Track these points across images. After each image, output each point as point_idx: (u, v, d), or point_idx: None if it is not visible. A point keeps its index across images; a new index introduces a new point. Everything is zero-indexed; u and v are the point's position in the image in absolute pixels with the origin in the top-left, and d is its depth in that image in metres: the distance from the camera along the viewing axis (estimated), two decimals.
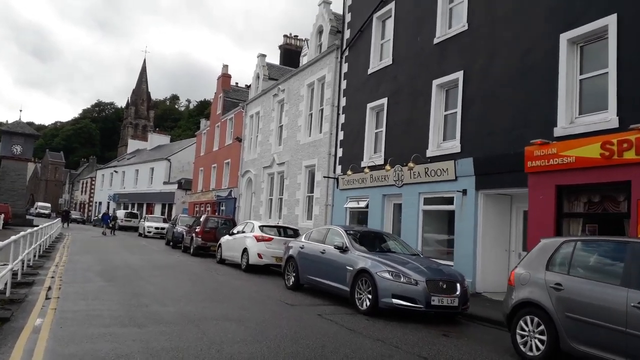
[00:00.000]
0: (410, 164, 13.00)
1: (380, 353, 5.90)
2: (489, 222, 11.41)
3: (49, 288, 9.35)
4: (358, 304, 8.27)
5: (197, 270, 14.25)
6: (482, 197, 11.49)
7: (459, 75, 12.59)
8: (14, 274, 9.64)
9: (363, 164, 16.15)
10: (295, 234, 14.84)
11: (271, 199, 24.13)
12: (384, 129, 15.62)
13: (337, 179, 17.69)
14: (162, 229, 31.85)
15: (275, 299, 9.60)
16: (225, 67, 35.43)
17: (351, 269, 8.50)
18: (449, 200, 12.45)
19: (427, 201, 13.33)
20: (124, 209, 49.40)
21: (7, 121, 46.49)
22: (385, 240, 10.34)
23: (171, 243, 24.31)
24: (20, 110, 72.75)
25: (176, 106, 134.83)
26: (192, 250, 19.63)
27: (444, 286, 7.73)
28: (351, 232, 9.76)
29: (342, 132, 18.07)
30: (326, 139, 19.02)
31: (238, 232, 15.70)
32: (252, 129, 28.06)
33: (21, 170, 42.27)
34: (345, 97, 18.16)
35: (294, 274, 10.68)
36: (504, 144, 10.92)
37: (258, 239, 13.83)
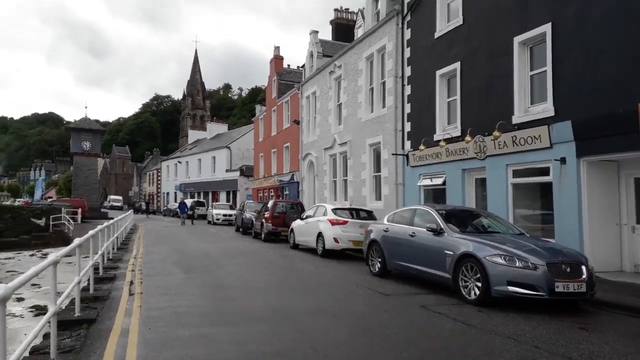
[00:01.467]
0: (496, 133, 11.79)
1: (520, 355, 4.92)
2: (595, 193, 10.10)
3: (131, 282, 9.23)
4: (464, 293, 7.39)
5: (273, 257, 13.91)
6: (585, 165, 10.16)
7: (546, 28, 11.16)
8: (96, 269, 9.62)
9: (436, 137, 15.07)
10: (370, 216, 14.13)
11: (335, 181, 23.51)
12: (458, 96, 14.40)
13: (407, 156, 16.70)
14: (230, 215, 32.25)
15: (364, 287, 8.93)
16: (277, 48, 34.88)
17: (451, 253, 7.63)
18: (544, 171, 11.19)
19: (517, 173, 12.11)
20: (190, 197, 50.81)
21: (74, 120, 48.75)
22: (481, 218, 9.34)
23: (241, 229, 24.37)
24: (86, 107, 77.07)
25: (229, 95, 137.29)
26: (263, 236, 19.45)
27: (568, 269, 6.70)
28: (442, 211, 8.85)
29: (409, 104, 16.98)
30: (391, 114, 18.01)
31: (309, 217, 15.21)
32: (309, 110, 27.43)
33: (92, 166, 44.38)
34: (410, 67, 17.01)
35: (380, 260, 9.97)
36: (609, 102, 9.53)
37: (333, 223, 13.25)
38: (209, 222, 34.45)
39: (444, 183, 14.90)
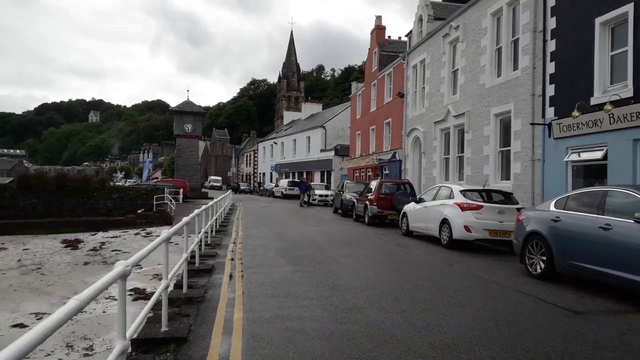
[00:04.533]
0: None
1: None
2: None
3: (230, 276, 7.69)
4: None
5: (387, 246, 11.83)
6: None
7: None
8: (191, 260, 8.24)
9: (595, 101, 11.85)
10: (509, 199, 11.42)
11: (447, 158, 20.73)
12: (629, 48, 11.05)
13: (549, 125, 13.57)
14: (326, 196, 30.82)
15: (532, 297, 6.49)
16: (379, 18, 32.25)
17: None
18: None
19: None
20: (285, 178, 50.48)
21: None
22: None
23: (339, 211, 22.66)
24: (188, 91, 79.75)
25: (322, 76, 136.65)
26: (366, 219, 17.47)
27: None
28: None
29: (553, 63, 13.74)
30: (526, 77, 14.86)
31: (427, 199, 12.87)
32: (416, 81, 24.66)
33: (193, 147, 45.39)
34: (554, 17, 13.73)
35: (544, 258, 7.44)
36: None
37: (463, 207, 10.76)
38: (301, 205, 33.29)
39: (604, 157, 11.69)
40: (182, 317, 5.41)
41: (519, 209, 10.57)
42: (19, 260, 18.80)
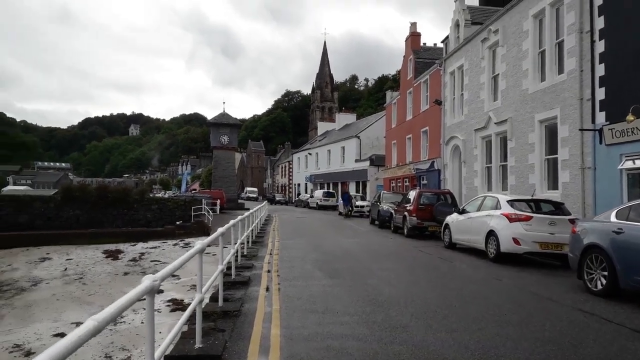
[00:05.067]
0: None
1: None
2: None
3: (267, 289, 7.44)
4: None
5: (429, 260, 11.31)
6: None
7: None
8: (227, 272, 8.04)
9: None
10: (560, 209, 10.72)
11: (489, 167, 19.98)
12: None
13: (601, 131, 12.78)
14: (362, 207, 30.38)
15: (597, 317, 5.90)
16: (414, 25, 31.82)
17: None
18: None
19: None
20: (320, 188, 50.29)
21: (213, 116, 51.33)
22: None
23: (377, 222, 22.17)
24: (224, 103, 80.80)
25: (356, 86, 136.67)
26: (405, 231, 16.94)
27: None
28: None
29: (602, 64, 12.98)
30: (573, 80, 14.12)
31: (471, 210, 12.29)
32: (454, 88, 24.04)
33: (230, 159, 45.94)
34: (602, 16, 13.00)
35: (605, 273, 6.84)
36: None
37: (511, 219, 10.15)
38: (340, 214, 32.92)
39: None
40: (218, 332, 5.18)
41: (572, 220, 9.91)
42: (65, 269, 19.27)
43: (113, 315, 2.12)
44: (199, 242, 4.47)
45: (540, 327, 5.43)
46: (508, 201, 10.76)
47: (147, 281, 2.70)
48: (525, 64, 16.90)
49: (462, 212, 12.74)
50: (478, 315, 5.90)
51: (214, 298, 6.74)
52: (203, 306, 6.12)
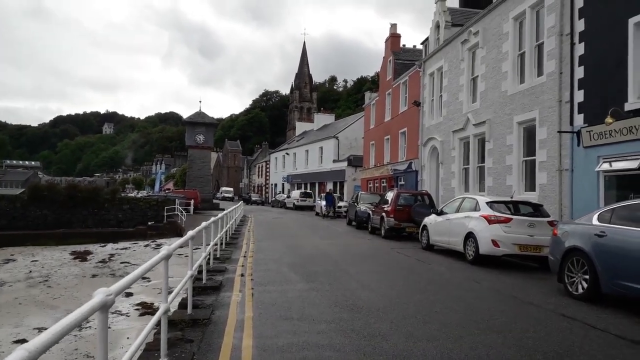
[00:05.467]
0: None
1: None
2: None
3: (240, 295, 7.05)
4: None
5: (407, 262, 11.07)
6: None
7: None
8: (198, 276, 7.62)
9: (628, 107, 11.09)
10: (539, 211, 10.61)
11: (466, 169, 19.96)
12: None
13: (579, 133, 12.80)
14: (339, 207, 30.14)
15: (580, 323, 5.70)
16: (394, 26, 31.76)
17: None
18: None
19: None
20: (297, 189, 49.90)
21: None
22: None
23: (354, 223, 21.93)
24: (200, 101, 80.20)
25: (334, 87, 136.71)
26: (383, 232, 16.72)
27: None
28: None
29: (582, 67, 13.01)
30: (552, 82, 14.13)
31: (449, 212, 12.13)
32: (432, 89, 24.00)
33: (205, 158, 45.12)
34: (582, 19, 13.03)
35: (587, 277, 6.68)
36: None
37: (490, 220, 9.98)
38: (317, 214, 32.61)
39: None
40: (185, 343, 4.78)
41: (551, 222, 9.81)
42: (29, 271, 18.43)
43: (51, 342, 1.74)
44: (164, 248, 4.07)
45: (523, 333, 5.20)
46: (487, 203, 10.61)
47: (99, 296, 2.32)
48: (504, 66, 16.89)
49: (441, 213, 12.57)
50: (459, 321, 5.64)
51: (183, 304, 6.33)
52: (170, 313, 5.72)
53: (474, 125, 18.79)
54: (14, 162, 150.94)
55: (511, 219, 9.94)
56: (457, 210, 11.70)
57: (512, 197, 11.50)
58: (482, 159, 18.55)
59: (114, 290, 2.48)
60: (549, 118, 14.22)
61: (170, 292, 4.63)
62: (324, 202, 30.69)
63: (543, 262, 10.15)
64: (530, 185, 15.30)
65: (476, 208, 10.77)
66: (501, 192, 16.23)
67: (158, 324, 3.95)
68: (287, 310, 6.09)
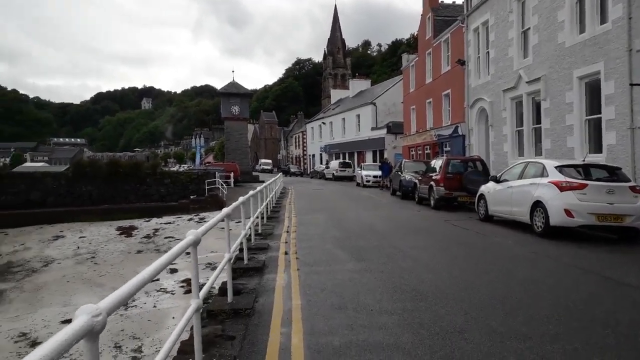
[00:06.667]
0: None
1: None
2: None
3: (285, 274, 6.42)
4: None
5: (465, 235, 10.12)
6: None
7: None
8: (240, 256, 7.04)
9: None
10: (616, 175, 9.33)
11: (519, 131, 18.51)
12: None
13: None
14: (380, 177, 29.17)
15: None
16: None
17: None
18: None
19: None
20: (335, 159, 49.06)
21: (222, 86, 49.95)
22: None
23: (398, 193, 20.99)
24: (233, 72, 79.24)
25: (368, 52, 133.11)
26: (432, 202, 15.75)
27: None
28: None
29: None
30: (619, 29, 12.50)
31: (511, 178, 11.02)
32: (478, 46, 22.30)
33: (242, 130, 44.78)
34: None
35: None
36: None
37: (562, 187, 8.85)
38: (358, 185, 31.76)
39: None
40: (225, 341, 4.15)
41: (633, 188, 8.63)
42: (77, 248, 18.65)
43: None
44: (190, 233, 3.31)
45: (637, 328, 4.28)
46: (556, 167, 9.40)
47: (82, 317, 1.52)
48: (560, 15, 15.21)
49: (500, 180, 11.46)
50: (549, 311, 4.75)
51: (222, 290, 5.74)
52: (206, 305, 5.15)
53: (527, 82, 17.24)
54: (61, 139, 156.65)
55: (586, 184, 8.75)
56: (520, 177, 10.56)
57: (584, 160, 10.24)
58: (537, 119, 17.07)
59: (104, 308, 1.65)
60: (617, 70, 12.67)
61: (204, 283, 3.98)
62: (371, 172, 29.64)
63: (624, 233, 9.02)
64: (596, 147, 13.88)
65: (543, 174, 9.60)
66: (561, 155, 14.88)
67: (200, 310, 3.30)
68: (340, 297, 5.39)
